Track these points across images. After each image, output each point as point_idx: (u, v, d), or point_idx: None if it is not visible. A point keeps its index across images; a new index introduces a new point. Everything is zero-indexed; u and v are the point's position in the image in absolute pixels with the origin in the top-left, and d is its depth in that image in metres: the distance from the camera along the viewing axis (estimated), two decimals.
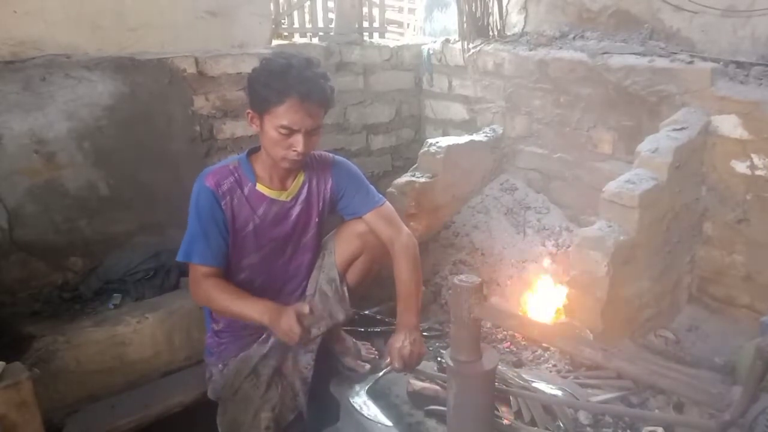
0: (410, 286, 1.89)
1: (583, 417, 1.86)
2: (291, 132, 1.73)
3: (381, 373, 1.88)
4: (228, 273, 1.90)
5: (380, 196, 2.05)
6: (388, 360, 1.81)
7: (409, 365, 1.78)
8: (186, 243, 1.83)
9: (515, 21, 3.42)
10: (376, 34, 3.81)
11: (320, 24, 3.55)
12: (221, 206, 1.82)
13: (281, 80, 1.68)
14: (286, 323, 1.68)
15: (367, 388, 1.96)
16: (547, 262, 2.68)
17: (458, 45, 3.41)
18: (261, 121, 1.76)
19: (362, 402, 1.90)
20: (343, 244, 2.04)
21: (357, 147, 3.61)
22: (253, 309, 1.76)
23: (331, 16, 3.66)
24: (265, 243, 1.93)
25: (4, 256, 2.32)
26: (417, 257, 1.95)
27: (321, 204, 2.00)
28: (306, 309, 1.69)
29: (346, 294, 2.04)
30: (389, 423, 1.81)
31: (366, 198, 2.01)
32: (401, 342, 1.77)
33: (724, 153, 2.34)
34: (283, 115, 1.70)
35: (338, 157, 2.05)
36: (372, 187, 2.05)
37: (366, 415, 1.86)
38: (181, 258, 1.84)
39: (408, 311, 1.86)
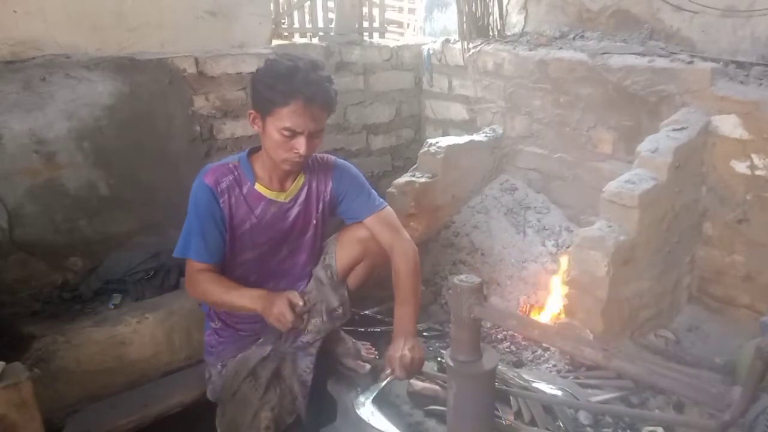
0: (408, 293, 1.86)
1: (583, 417, 1.86)
2: (294, 134, 1.72)
3: (384, 383, 1.86)
4: (224, 270, 1.90)
5: (381, 200, 2.02)
6: (389, 371, 1.76)
7: (411, 373, 1.77)
8: (183, 239, 1.84)
9: (515, 21, 3.42)
10: (376, 34, 3.80)
11: (320, 24, 3.55)
12: (219, 204, 1.82)
13: (287, 82, 1.67)
14: (278, 309, 1.71)
15: (372, 397, 1.93)
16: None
17: (458, 45, 3.41)
18: (263, 122, 1.75)
19: (369, 413, 1.88)
20: (344, 250, 2.03)
21: (357, 147, 3.60)
22: (246, 298, 1.80)
23: (331, 16, 3.66)
24: (262, 242, 1.93)
25: (4, 256, 2.33)
26: (417, 264, 1.92)
27: (320, 206, 1.99)
28: (298, 299, 1.74)
29: (341, 280, 2.03)
30: None
31: (367, 202, 1.99)
32: (400, 350, 1.74)
33: (724, 153, 2.34)
34: (287, 117, 1.69)
35: (340, 160, 2.04)
36: (373, 191, 2.03)
37: (375, 426, 1.83)
38: (178, 253, 1.85)
39: (405, 318, 1.83)
